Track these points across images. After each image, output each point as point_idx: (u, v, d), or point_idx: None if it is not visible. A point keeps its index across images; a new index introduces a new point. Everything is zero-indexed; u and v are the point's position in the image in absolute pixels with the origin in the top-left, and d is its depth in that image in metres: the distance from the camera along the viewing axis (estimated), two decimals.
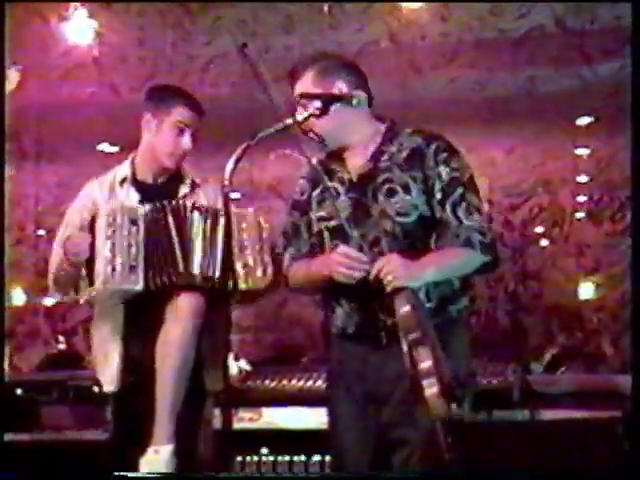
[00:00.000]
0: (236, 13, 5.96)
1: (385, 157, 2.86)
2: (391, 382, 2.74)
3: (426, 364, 2.55)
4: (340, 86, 2.87)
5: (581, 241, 6.27)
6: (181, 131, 3.29)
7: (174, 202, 3.23)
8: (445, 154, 2.84)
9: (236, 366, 4.20)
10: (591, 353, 5.76)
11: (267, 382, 4.16)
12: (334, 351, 2.94)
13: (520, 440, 2.84)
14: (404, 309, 2.62)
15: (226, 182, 2.52)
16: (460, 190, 2.81)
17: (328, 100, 2.80)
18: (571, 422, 3.44)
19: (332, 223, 2.85)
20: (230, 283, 2.98)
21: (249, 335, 6.02)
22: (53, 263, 3.31)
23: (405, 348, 2.60)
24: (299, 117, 2.75)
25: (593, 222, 6.27)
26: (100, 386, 3.33)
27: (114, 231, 3.11)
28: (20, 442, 3.96)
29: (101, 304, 3.30)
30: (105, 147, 6.41)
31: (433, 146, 2.84)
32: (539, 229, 6.36)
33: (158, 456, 3.05)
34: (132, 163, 3.37)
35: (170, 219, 3.18)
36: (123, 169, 3.37)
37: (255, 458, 3.93)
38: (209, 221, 3.19)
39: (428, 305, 2.75)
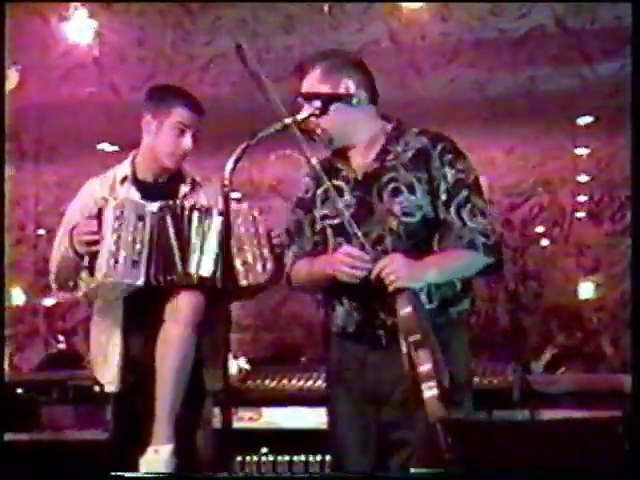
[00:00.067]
0: (236, 13, 5.96)
1: (391, 156, 2.86)
2: (391, 382, 2.74)
3: (425, 367, 2.55)
4: (347, 84, 2.87)
5: (581, 241, 6.28)
6: (181, 132, 3.29)
7: (175, 202, 3.23)
8: (451, 155, 2.83)
9: (236, 365, 4.20)
10: (591, 353, 5.76)
11: (267, 382, 4.16)
12: (334, 350, 2.94)
13: (520, 440, 2.84)
14: (405, 310, 2.62)
15: (226, 182, 2.52)
16: (465, 192, 2.80)
17: (328, 100, 2.80)
18: (571, 422, 3.43)
19: (335, 221, 2.85)
20: (230, 281, 3.00)
21: (249, 334, 6.02)
22: (55, 257, 3.31)
23: (404, 349, 2.60)
24: (299, 117, 2.75)
25: (593, 222, 6.27)
26: (100, 386, 3.33)
27: (120, 224, 3.11)
28: (20, 442, 3.96)
29: (101, 300, 3.30)
30: (105, 147, 6.41)
31: (439, 147, 2.84)
32: (539, 229, 6.36)
33: (158, 456, 3.05)
34: (133, 162, 3.37)
35: (171, 219, 3.18)
36: (124, 168, 3.37)
37: (255, 458, 3.93)
38: (208, 221, 3.19)
39: (429, 306, 2.75)
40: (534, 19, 5.82)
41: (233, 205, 3.14)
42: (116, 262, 3.08)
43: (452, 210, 2.79)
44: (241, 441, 3.71)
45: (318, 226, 2.93)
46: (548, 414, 3.74)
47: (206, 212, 3.20)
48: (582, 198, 6.33)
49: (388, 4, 5.88)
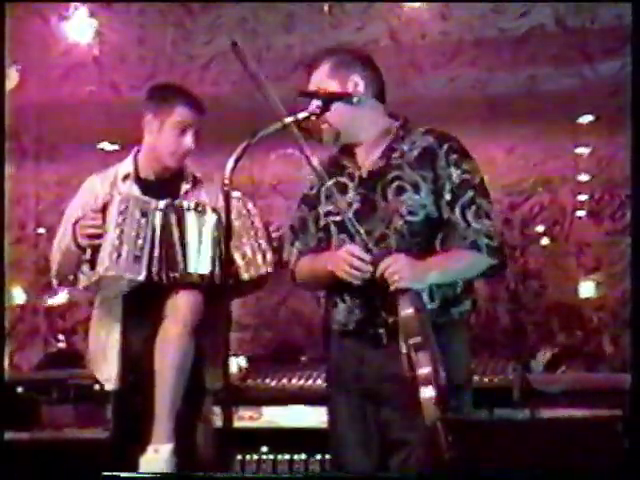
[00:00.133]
0: (237, 12, 5.96)
1: (396, 155, 2.86)
2: (391, 381, 2.74)
3: (425, 370, 2.56)
4: (355, 80, 2.87)
5: (581, 240, 6.26)
6: (183, 131, 3.29)
7: (177, 201, 3.23)
8: (457, 155, 2.83)
9: (236, 364, 4.20)
10: (591, 352, 5.76)
11: (267, 381, 4.16)
12: (334, 349, 2.94)
13: (520, 439, 2.84)
14: (407, 311, 2.62)
15: (226, 181, 2.52)
16: (470, 193, 2.80)
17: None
18: (571, 421, 3.43)
19: (339, 218, 2.84)
20: (232, 276, 3.01)
21: (249, 333, 6.01)
22: (56, 251, 3.31)
23: (404, 349, 2.60)
24: (300, 116, 2.75)
25: (594, 221, 6.26)
26: (100, 384, 3.33)
27: (124, 219, 3.12)
28: (20, 441, 3.96)
29: (101, 296, 3.30)
30: (105, 146, 6.40)
31: (445, 146, 2.83)
32: (539, 228, 6.34)
33: (158, 455, 3.06)
34: (135, 160, 3.37)
35: (174, 217, 3.18)
36: (125, 166, 3.37)
37: (255, 457, 3.93)
38: (208, 220, 3.19)
39: (431, 305, 2.75)
40: (534, 18, 5.82)
41: None
42: (118, 256, 3.09)
43: (457, 210, 2.79)
44: (241, 440, 3.70)
45: (322, 222, 2.93)
46: (548, 413, 3.74)
47: (205, 210, 3.20)
48: (582, 197, 6.31)
49: (388, 3, 5.88)
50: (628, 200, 5.86)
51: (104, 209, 3.15)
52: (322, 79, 2.88)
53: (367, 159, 2.89)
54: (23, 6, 5.57)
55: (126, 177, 3.34)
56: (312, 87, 2.90)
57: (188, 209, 3.20)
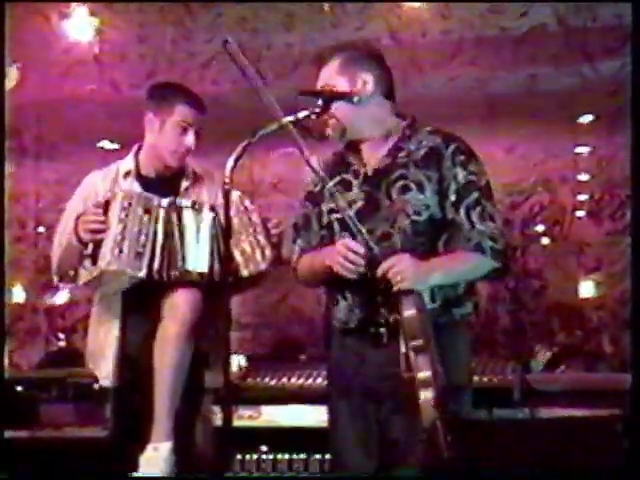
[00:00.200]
0: (237, 10, 5.96)
1: (403, 153, 2.85)
2: (391, 380, 2.73)
3: (425, 373, 2.55)
4: (365, 78, 2.86)
5: (581, 239, 6.27)
6: (184, 130, 3.29)
7: (177, 199, 3.23)
8: (463, 156, 2.82)
9: (236, 363, 4.20)
10: (591, 351, 5.76)
11: (267, 379, 4.16)
12: (334, 348, 2.94)
13: (520, 438, 2.84)
14: (410, 312, 2.61)
15: (226, 180, 2.52)
16: (476, 194, 2.79)
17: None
18: (571, 420, 3.43)
19: (342, 215, 2.82)
20: (232, 274, 3.01)
21: (249, 332, 6.01)
22: (57, 247, 3.31)
23: (403, 350, 2.60)
24: (300, 115, 2.75)
25: (593, 220, 6.27)
26: (95, 379, 3.33)
27: (127, 215, 3.12)
28: (20, 439, 3.96)
29: (101, 292, 3.30)
30: (105, 144, 6.40)
31: (452, 147, 2.83)
32: (539, 227, 6.35)
33: (157, 454, 3.05)
34: (136, 157, 3.37)
35: (177, 216, 3.18)
36: (126, 163, 3.37)
37: (255, 456, 3.93)
38: (206, 218, 3.19)
39: (432, 305, 2.73)
40: (535, 17, 5.82)
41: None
42: (120, 252, 3.09)
43: (461, 211, 2.78)
44: (241, 439, 3.70)
45: (325, 220, 2.92)
46: (548, 413, 3.74)
47: (202, 208, 3.20)
48: (582, 197, 6.32)
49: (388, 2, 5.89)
50: (628, 200, 5.86)
51: (107, 205, 3.15)
52: (331, 75, 2.87)
53: (373, 157, 2.89)
54: (23, 4, 5.56)
55: (127, 174, 3.34)
56: (321, 83, 2.89)
57: (186, 207, 3.19)
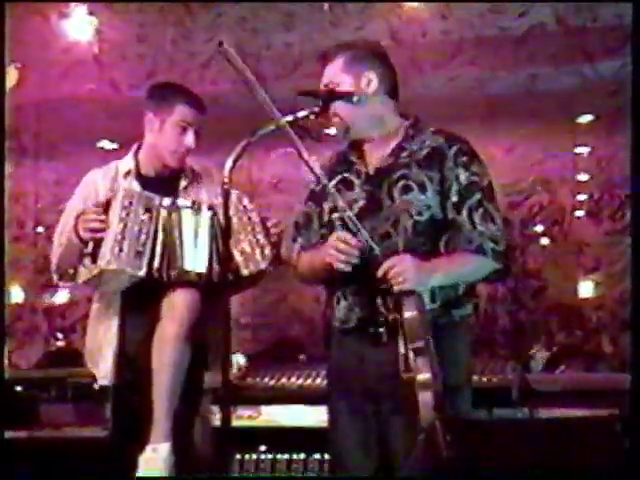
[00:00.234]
0: (237, 10, 5.97)
1: (405, 153, 2.84)
2: (391, 380, 2.73)
3: (424, 375, 2.55)
4: (369, 77, 2.85)
5: (581, 239, 6.27)
6: (184, 130, 3.28)
7: (177, 199, 3.23)
8: (466, 157, 2.81)
9: (235, 363, 4.20)
10: (591, 351, 5.76)
11: (266, 379, 4.15)
12: (334, 347, 2.93)
13: (519, 438, 2.84)
14: (411, 314, 2.60)
15: (225, 179, 2.52)
16: (478, 195, 2.78)
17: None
18: (570, 420, 3.43)
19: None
20: (231, 273, 3.01)
21: (248, 332, 6.02)
22: (57, 245, 3.30)
23: (402, 350, 2.60)
24: (299, 115, 2.74)
25: (593, 221, 6.27)
26: (93, 378, 3.33)
27: (128, 214, 3.12)
28: (19, 439, 3.95)
29: (100, 292, 3.30)
30: (105, 144, 6.41)
31: (455, 148, 2.82)
32: (539, 227, 6.36)
33: (156, 454, 3.05)
34: (135, 157, 3.36)
35: (177, 216, 3.18)
36: (126, 162, 3.37)
37: (254, 456, 3.92)
38: (205, 217, 3.19)
39: (432, 306, 2.72)
40: (535, 17, 5.83)
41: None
42: (120, 250, 3.08)
43: (464, 212, 2.77)
44: (240, 439, 3.70)
45: (326, 219, 2.92)
46: (547, 412, 3.73)
47: (200, 208, 3.20)
48: (582, 197, 6.33)
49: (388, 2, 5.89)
50: (628, 200, 5.87)
51: (107, 203, 3.15)
52: (336, 73, 2.87)
53: (375, 156, 2.88)
54: (23, 4, 5.56)
55: (127, 174, 3.34)
56: (325, 80, 2.88)
57: (186, 207, 3.19)
